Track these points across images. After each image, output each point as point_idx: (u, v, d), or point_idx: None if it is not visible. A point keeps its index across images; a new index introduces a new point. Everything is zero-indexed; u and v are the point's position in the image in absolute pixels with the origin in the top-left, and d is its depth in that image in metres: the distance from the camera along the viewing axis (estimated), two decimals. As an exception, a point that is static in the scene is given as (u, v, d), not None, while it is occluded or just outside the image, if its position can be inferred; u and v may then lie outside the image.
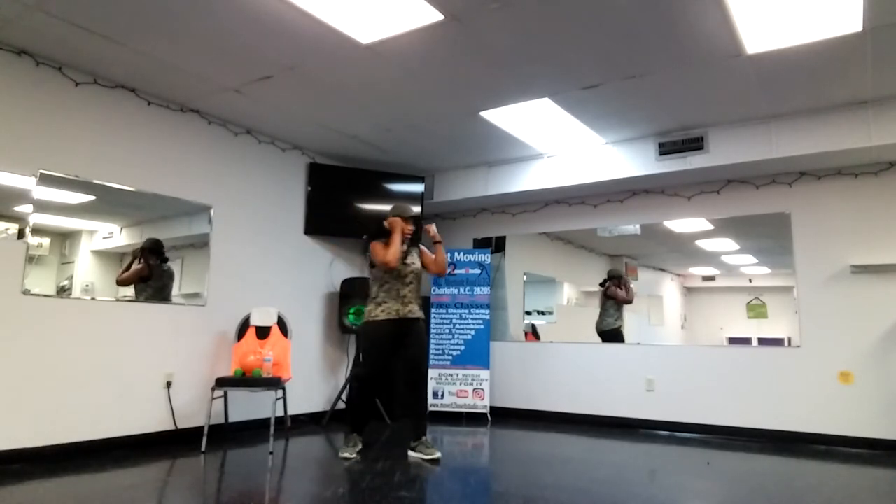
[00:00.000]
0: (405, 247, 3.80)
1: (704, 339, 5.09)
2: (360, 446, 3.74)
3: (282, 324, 4.43)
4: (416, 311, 3.78)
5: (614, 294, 5.46)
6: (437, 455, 3.61)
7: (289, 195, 5.19)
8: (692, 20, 3.07)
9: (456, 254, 5.75)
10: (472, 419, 5.36)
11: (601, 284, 5.57)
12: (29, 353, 3.43)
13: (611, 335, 5.43)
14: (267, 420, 4.24)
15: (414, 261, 3.86)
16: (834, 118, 4.15)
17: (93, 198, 3.85)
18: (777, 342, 4.75)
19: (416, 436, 3.69)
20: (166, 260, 4.19)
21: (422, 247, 4.01)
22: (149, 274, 4.06)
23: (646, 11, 3.00)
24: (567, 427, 5.04)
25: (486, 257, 5.75)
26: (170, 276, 4.21)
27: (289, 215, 5.19)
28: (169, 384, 4.09)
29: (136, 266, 4.00)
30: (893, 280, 4.27)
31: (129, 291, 3.98)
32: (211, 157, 4.54)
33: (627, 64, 3.57)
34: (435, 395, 5.49)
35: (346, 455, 3.63)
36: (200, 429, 3.94)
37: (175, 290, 4.26)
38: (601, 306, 5.54)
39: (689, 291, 5.42)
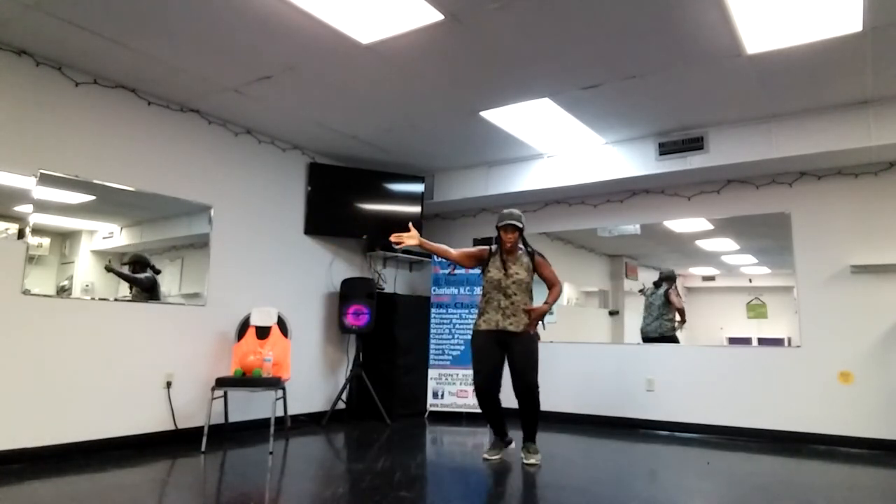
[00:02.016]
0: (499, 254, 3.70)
1: (704, 339, 5.09)
2: (501, 449, 3.77)
3: (282, 324, 4.43)
4: (517, 324, 3.59)
5: (676, 301, 5.23)
6: (532, 461, 3.58)
7: (289, 195, 5.19)
8: (692, 20, 3.07)
9: (456, 254, 5.75)
10: (472, 419, 5.37)
11: (656, 284, 5.36)
12: (29, 353, 3.43)
13: (670, 341, 5.19)
14: (267, 420, 4.24)
15: (518, 271, 3.65)
16: (834, 118, 4.15)
17: (93, 198, 3.85)
18: (777, 342, 4.75)
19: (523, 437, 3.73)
20: (153, 269, 4.12)
21: (539, 258, 3.74)
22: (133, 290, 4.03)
23: (646, 11, 3.00)
24: (567, 427, 5.03)
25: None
26: (150, 282, 4.10)
27: (289, 215, 5.19)
28: (169, 384, 4.09)
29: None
30: (893, 280, 4.27)
31: (128, 291, 3.99)
32: (211, 157, 4.54)
33: (627, 64, 3.57)
34: (435, 395, 5.50)
35: (485, 456, 3.70)
36: (200, 429, 3.94)
37: (175, 290, 4.26)
38: (657, 308, 5.30)
39: (689, 291, 5.42)
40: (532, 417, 3.64)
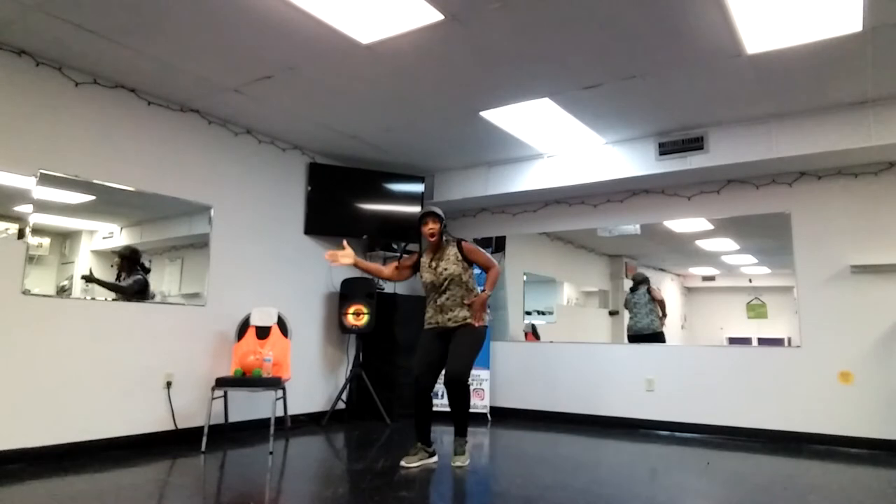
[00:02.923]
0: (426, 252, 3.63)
1: (704, 339, 5.10)
2: (422, 458, 3.50)
3: (282, 324, 4.43)
4: (456, 318, 3.50)
5: (660, 296, 5.37)
6: (465, 463, 3.50)
7: (289, 195, 5.19)
8: (692, 20, 3.07)
9: (456, 254, 5.75)
10: (472, 419, 5.35)
11: (633, 290, 5.48)
12: (29, 353, 3.43)
13: (657, 337, 5.30)
14: (267, 420, 4.24)
15: (446, 266, 3.53)
16: (834, 118, 4.15)
17: (93, 198, 3.85)
18: (777, 342, 4.75)
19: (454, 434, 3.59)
20: (143, 268, 4.07)
21: (466, 244, 3.57)
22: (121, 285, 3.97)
23: (646, 11, 3.00)
24: (567, 427, 5.03)
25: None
26: (138, 286, 4.04)
27: (289, 215, 5.18)
28: (169, 384, 4.09)
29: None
30: (893, 280, 4.27)
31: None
32: (211, 157, 4.54)
33: (627, 64, 3.57)
34: (435, 395, 5.49)
35: (402, 463, 3.41)
36: (200, 429, 3.94)
37: (175, 290, 4.26)
38: (643, 306, 5.39)
39: (689, 291, 5.43)
40: (458, 410, 3.47)
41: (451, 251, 3.57)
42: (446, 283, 3.51)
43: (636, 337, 5.37)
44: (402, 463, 3.41)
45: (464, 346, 3.44)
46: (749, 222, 4.89)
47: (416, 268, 3.67)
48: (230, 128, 4.71)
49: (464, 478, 3.22)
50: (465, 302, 3.51)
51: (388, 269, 3.63)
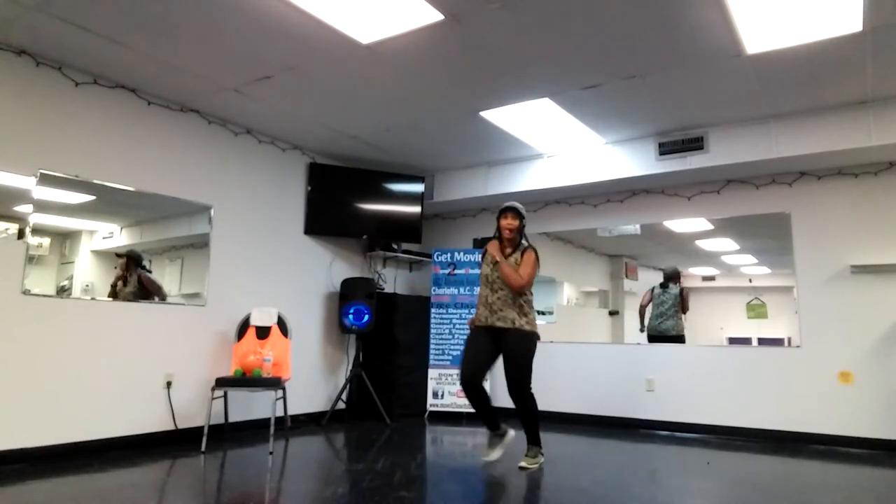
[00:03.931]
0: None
1: (704, 339, 5.09)
2: (497, 443, 3.55)
3: (282, 324, 4.43)
4: (505, 320, 3.44)
5: (687, 299, 5.25)
6: (528, 466, 3.41)
7: (289, 195, 5.19)
8: (692, 20, 3.07)
9: (456, 254, 5.75)
10: (472, 419, 5.36)
11: (663, 286, 5.34)
12: (29, 353, 3.43)
13: (679, 341, 5.20)
14: (267, 420, 4.24)
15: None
16: (834, 118, 4.15)
17: (93, 198, 3.85)
18: (777, 342, 4.75)
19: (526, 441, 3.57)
20: (145, 269, 4.09)
21: (528, 252, 3.50)
22: (125, 285, 3.99)
23: (646, 11, 3.00)
24: (567, 427, 5.03)
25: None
26: (143, 284, 4.07)
27: (289, 215, 5.19)
28: (169, 384, 4.09)
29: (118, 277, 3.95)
30: (893, 280, 4.27)
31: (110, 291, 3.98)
32: (211, 157, 4.54)
33: (627, 64, 3.57)
34: (435, 395, 5.50)
35: (485, 459, 3.50)
36: (200, 429, 3.94)
37: (175, 290, 4.26)
38: (671, 307, 5.28)
39: (688, 291, 5.42)
40: (525, 420, 3.48)
41: (517, 254, 3.49)
42: (499, 281, 3.45)
43: (658, 338, 5.25)
44: (485, 459, 3.50)
45: (521, 359, 3.40)
46: (749, 222, 4.89)
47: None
48: (230, 128, 4.71)
49: (464, 478, 3.22)
50: (517, 303, 3.43)
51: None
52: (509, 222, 3.48)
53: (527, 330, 3.43)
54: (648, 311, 5.41)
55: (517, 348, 3.42)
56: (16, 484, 2.90)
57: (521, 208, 3.53)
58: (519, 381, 3.41)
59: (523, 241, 3.58)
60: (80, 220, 3.82)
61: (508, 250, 3.53)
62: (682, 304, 5.25)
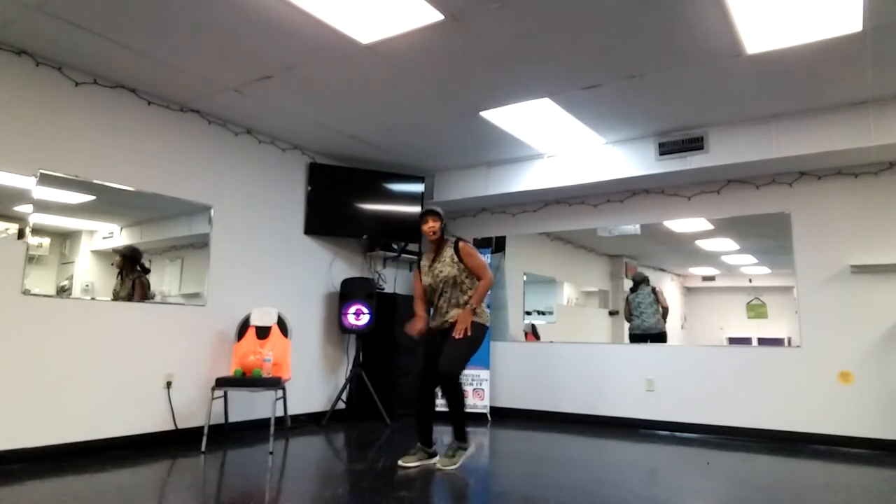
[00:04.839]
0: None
1: (704, 339, 5.09)
2: (422, 458, 3.48)
3: (282, 324, 4.43)
4: (454, 316, 3.44)
5: (666, 304, 5.38)
6: (444, 468, 3.35)
7: (289, 195, 5.19)
8: (692, 20, 3.07)
9: (456, 254, 5.75)
10: (472, 419, 5.36)
11: (633, 290, 5.49)
12: (29, 353, 3.43)
13: (662, 337, 5.32)
14: (267, 420, 4.24)
15: (442, 268, 3.50)
16: (834, 118, 4.15)
17: (93, 198, 3.85)
18: (777, 342, 4.75)
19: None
20: (143, 268, 4.08)
21: (462, 245, 3.52)
22: (122, 284, 3.98)
23: (646, 11, 3.00)
24: (567, 427, 5.03)
25: (486, 257, 5.74)
26: (142, 284, 4.06)
27: (289, 215, 5.18)
28: (169, 384, 4.09)
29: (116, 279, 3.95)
30: (893, 280, 4.27)
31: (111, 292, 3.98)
32: (211, 157, 4.54)
33: (627, 64, 3.57)
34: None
35: (400, 463, 3.41)
36: (200, 429, 3.94)
37: (175, 290, 4.26)
38: (649, 306, 5.39)
39: (689, 291, 5.43)
40: (452, 411, 3.41)
41: (448, 252, 3.52)
42: (442, 285, 3.47)
43: (642, 336, 5.35)
44: (400, 462, 3.40)
45: (456, 343, 3.33)
46: (749, 222, 4.89)
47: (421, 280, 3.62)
48: (230, 128, 4.71)
49: (464, 478, 3.22)
50: (450, 322, 3.42)
51: (419, 303, 3.59)
52: (430, 226, 3.52)
53: (473, 321, 3.39)
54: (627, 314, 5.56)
55: (457, 338, 3.34)
56: (16, 484, 2.90)
57: (440, 210, 3.56)
58: (450, 367, 3.31)
59: (447, 237, 3.60)
60: (80, 220, 3.82)
61: (439, 254, 3.55)
62: (659, 303, 5.39)
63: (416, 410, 3.53)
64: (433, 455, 3.52)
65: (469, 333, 3.35)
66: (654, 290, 5.43)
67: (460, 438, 3.49)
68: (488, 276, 3.48)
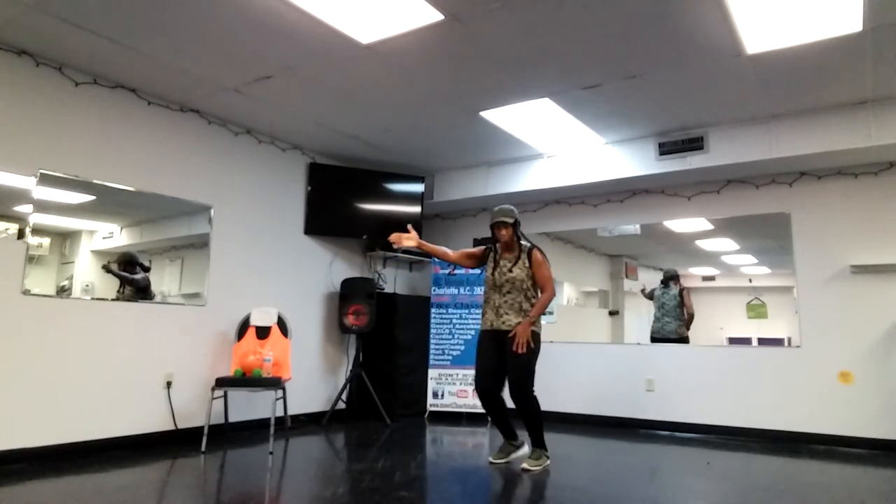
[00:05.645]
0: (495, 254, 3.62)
1: (704, 339, 5.09)
2: (509, 453, 3.61)
3: (282, 324, 4.43)
4: (509, 322, 3.47)
5: (689, 304, 5.20)
6: (531, 468, 3.39)
7: (289, 195, 5.19)
8: (692, 20, 3.07)
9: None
10: (472, 419, 5.36)
11: (664, 284, 5.29)
12: (29, 353, 3.43)
13: (683, 341, 5.15)
14: (267, 420, 4.24)
15: (511, 268, 3.52)
16: (834, 118, 4.15)
17: (93, 198, 3.85)
18: (777, 342, 4.75)
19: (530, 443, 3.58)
20: (142, 268, 4.08)
21: (537, 255, 3.54)
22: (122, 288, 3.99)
23: (646, 11, 3.00)
24: (567, 427, 5.03)
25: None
26: (146, 282, 4.08)
27: (289, 215, 5.18)
28: (169, 384, 4.09)
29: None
30: (893, 280, 4.27)
31: (116, 292, 3.98)
32: (211, 157, 4.54)
33: (627, 64, 3.57)
34: (435, 395, 5.50)
35: (490, 460, 3.58)
36: (200, 429, 3.94)
37: (175, 290, 4.26)
38: (673, 309, 5.23)
39: (689, 291, 5.41)
40: (528, 423, 3.48)
41: (523, 256, 3.54)
42: (508, 285, 3.51)
43: (662, 341, 5.20)
44: (490, 459, 3.58)
45: (522, 361, 3.39)
46: (749, 222, 4.89)
47: (482, 260, 3.68)
48: (230, 128, 4.71)
49: (464, 478, 3.22)
50: (510, 336, 3.43)
51: (454, 254, 3.63)
52: (502, 234, 3.54)
53: (522, 351, 3.40)
54: (651, 307, 5.38)
55: (520, 353, 3.39)
56: (16, 484, 2.90)
57: (507, 218, 3.52)
58: (520, 383, 3.42)
59: (523, 242, 3.61)
60: (80, 220, 3.82)
61: (510, 254, 3.59)
62: (683, 307, 5.21)
63: (488, 416, 3.60)
64: (520, 446, 3.64)
65: (532, 345, 3.41)
66: (681, 292, 5.24)
67: (539, 445, 3.53)
68: (551, 290, 3.51)
